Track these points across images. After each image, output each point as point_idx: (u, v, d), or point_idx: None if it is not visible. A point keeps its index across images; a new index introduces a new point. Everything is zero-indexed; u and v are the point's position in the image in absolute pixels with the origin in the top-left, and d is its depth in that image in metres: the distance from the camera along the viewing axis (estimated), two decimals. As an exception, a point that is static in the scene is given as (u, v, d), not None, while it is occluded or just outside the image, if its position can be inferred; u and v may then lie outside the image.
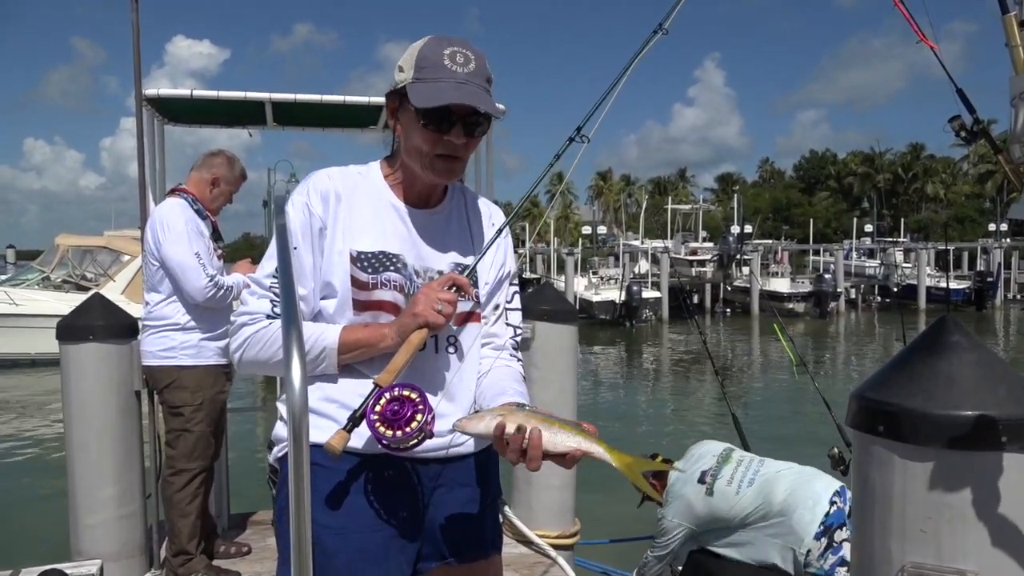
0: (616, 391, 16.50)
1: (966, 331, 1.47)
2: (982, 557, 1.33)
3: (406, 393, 1.42)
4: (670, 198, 52.42)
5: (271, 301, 1.52)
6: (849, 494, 3.18)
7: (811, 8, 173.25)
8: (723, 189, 78.19)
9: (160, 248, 3.29)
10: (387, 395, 1.42)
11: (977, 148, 55.02)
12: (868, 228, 49.16)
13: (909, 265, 38.32)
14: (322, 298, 1.56)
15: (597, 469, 1.40)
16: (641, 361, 21.73)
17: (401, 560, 1.54)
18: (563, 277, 31.87)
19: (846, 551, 3.08)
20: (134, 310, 3.61)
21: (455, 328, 1.60)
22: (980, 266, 39.54)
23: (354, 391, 1.50)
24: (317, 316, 1.56)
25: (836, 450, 3.84)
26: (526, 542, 3.77)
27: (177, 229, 3.29)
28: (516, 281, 1.76)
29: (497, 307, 1.70)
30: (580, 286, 31.51)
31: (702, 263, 36.00)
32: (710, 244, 38.75)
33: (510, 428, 1.36)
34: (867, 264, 40.66)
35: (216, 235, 3.52)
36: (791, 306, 31.90)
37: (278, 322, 1.50)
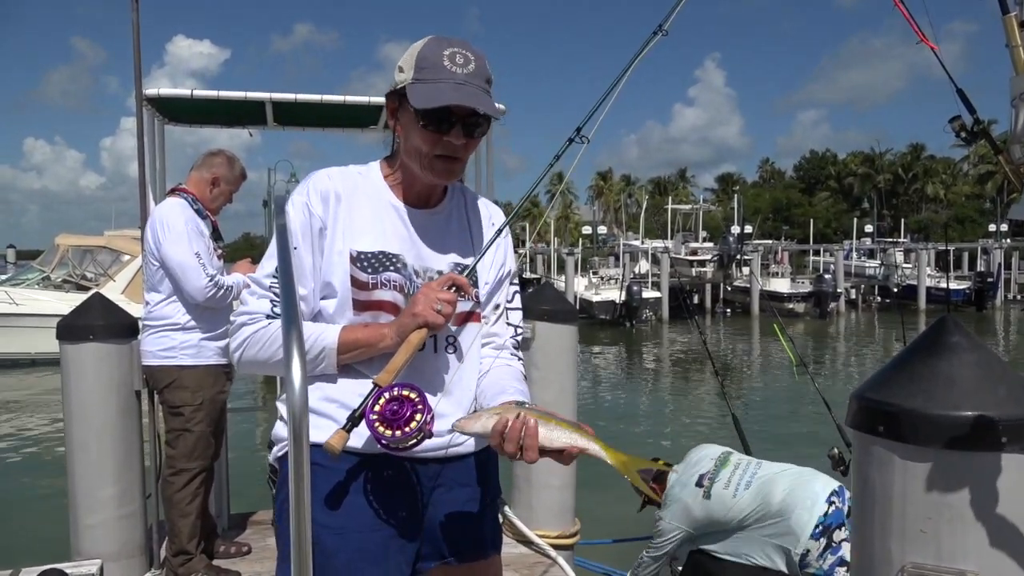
0: (616, 391, 16.51)
1: (966, 331, 1.47)
2: (982, 557, 1.33)
3: (405, 393, 1.43)
4: (670, 198, 52.44)
5: (271, 301, 1.52)
6: (847, 494, 3.18)
7: (811, 8, 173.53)
8: (723, 189, 78.20)
9: (160, 248, 3.29)
10: (386, 395, 1.43)
11: (977, 148, 55.03)
12: (868, 228, 49.16)
13: (909, 265, 38.31)
14: (322, 298, 1.56)
15: (597, 468, 1.41)
16: (641, 361, 21.73)
17: (400, 560, 1.54)
18: (563, 277, 31.87)
19: (845, 551, 3.08)
20: (134, 310, 3.61)
21: (454, 328, 1.60)
22: (980, 266, 39.54)
23: (353, 391, 1.50)
24: (317, 316, 1.56)
25: (836, 450, 3.84)
26: (526, 542, 3.77)
27: (177, 229, 3.29)
28: (516, 280, 1.76)
29: (497, 307, 1.70)
30: (580, 286, 31.51)
31: (702, 263, 36.01)
32: (710, 244, 38.76)
33: (509, 421, 1.36)
34: (867, 264, 40.66)
35: (216, 235, 3.52)
36: (791, 306, 31.91)
37: (278, 322, 1.50)
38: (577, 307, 13.96)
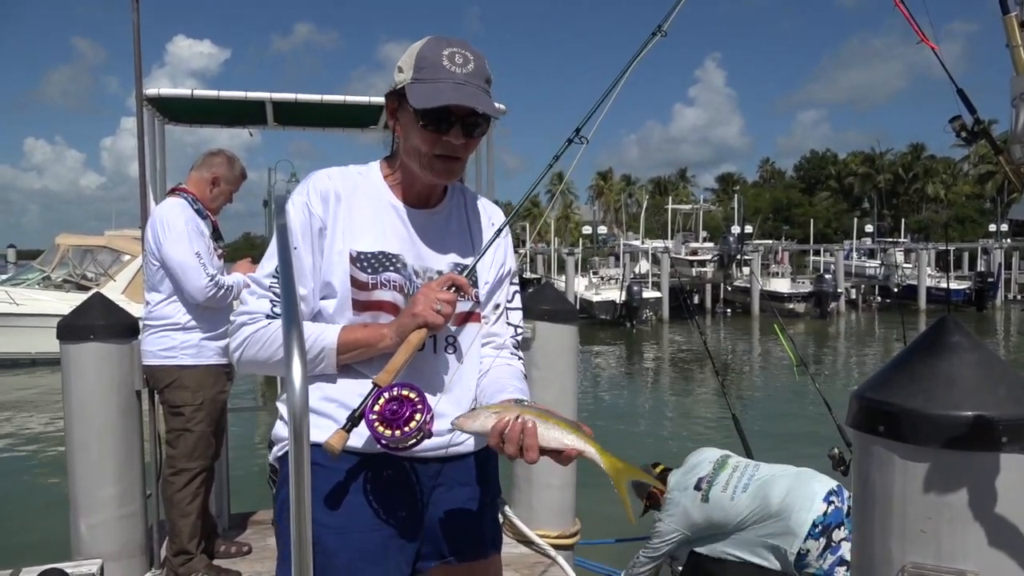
0: (616, 391, 16.51)
1: (966, 331, 1.47)
2: (982, 557, 1.33)
3: (405, 393, 1.43)
4: (670, 198, 52.47)
5: (271, 301, 1.52)
6: (846, 493, 3.19)
7: (811, 8, 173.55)
8: (723, 189, 78.21)
9: (160, 248, 3.29)
10: (386, 395, 1.43)
11: (978, 148, 55.01)
12: (868, 228, 49.16)
13: (909, 265, 38.32)
14: (322, 298, 1.56)
15: (597, 468, 1.41)
16: (641, 361, 21.74)
17: (400, 559, 1.55)
18: (563, 277, 31.88)
19: (844, 551, 3.08)
20: (135, 310, 3.61)
21: (454, 328, 1.60)
22: (980, 266, 39.54)
23: (353, 391, 1.50)
24: (317, 316, 1.56)
25: (836, 450, 3.83)
26: (526, 542, 3.77)
27: (177, 229, 3.29)
28: (516, 280, 1.76)
29: (497, 306, 1.70)
30: (580, 286, 31.51)
31: (702, 263, 36.01)
32: (710, 244, 38.78)
33: (508, 421, 1.37)
34: (867, 264, 40.66)
35: (216, 235, 3.52)
36: (791, 306, 31.90)
37: (278, 322, 1.50)
38: (577, 307, 13.94)
